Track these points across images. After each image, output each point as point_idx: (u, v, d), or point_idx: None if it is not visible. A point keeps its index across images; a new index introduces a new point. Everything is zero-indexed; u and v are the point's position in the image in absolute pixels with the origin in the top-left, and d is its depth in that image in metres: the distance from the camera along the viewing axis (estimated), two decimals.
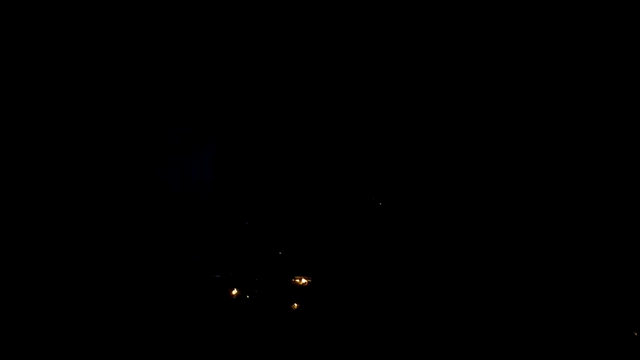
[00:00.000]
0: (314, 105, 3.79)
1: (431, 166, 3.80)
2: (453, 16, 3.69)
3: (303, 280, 3.58)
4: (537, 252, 3.61)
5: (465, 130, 3.78)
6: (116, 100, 3.48)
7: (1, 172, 3.30)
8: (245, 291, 3.41)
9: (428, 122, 3.80)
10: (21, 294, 3.17)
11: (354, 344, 3.31)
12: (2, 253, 3.23)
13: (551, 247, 3.60)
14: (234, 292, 3.39)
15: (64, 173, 3.37)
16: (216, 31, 3.63)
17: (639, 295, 3.42)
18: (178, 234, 3.43)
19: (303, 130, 3.77)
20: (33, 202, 3.32)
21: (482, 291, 3.54)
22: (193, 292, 3.29)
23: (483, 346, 3.34)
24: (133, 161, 3.44)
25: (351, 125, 3.81)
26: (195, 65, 3.63)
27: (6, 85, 3.37)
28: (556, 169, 3.68)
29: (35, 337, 3.05)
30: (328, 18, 3.71)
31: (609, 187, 3.63)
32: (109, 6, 3.50)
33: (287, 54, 3.73)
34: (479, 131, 3.77)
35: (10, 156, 3.33)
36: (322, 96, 3.78)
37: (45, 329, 3.08)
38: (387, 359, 3.26)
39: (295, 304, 3.47)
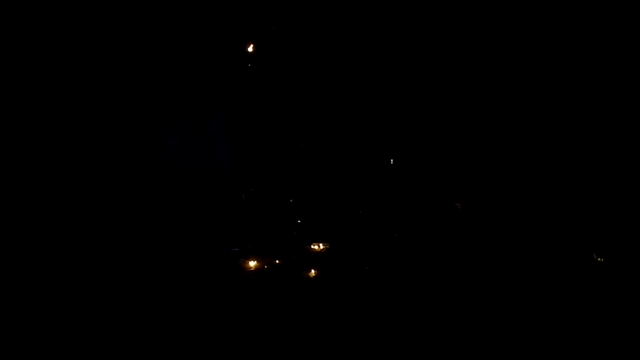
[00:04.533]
0: (325, 74, 3.59)
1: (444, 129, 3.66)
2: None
3: (321, 246, 3.62)
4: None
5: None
6: (125, 82, 3.35)
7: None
8: (263, 262, 3.47)
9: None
10: (37, 267, 3.27)
11: (369, 312, 3.40)
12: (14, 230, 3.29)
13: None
14: (253, 263, 3.46)
15: (86, 154, 3.34)
16: (227, 8, 3.38)
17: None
18: (197, 211, 3.43)
19: (315, 97, 3.60)
20: (55, 183, 3.32)
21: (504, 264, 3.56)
22: (212, 266, 3.37)
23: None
24: (145, 141, 3.38)
25: (365, 87, 3.63)
26: (199, 42, 3.41)
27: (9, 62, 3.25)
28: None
29: (55, 302, 3.19)
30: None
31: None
32: None
33: (291, 32, 3.49)
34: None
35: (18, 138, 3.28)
36: (333, 67, 3.57)
37: (65, 297, 3.21)
38: (405, 328, 3.35)
39: (313, 271, 3.54)
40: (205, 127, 3.47)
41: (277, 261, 3.51)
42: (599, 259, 3.53)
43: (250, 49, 3.47)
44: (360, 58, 3.62)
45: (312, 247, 3.61)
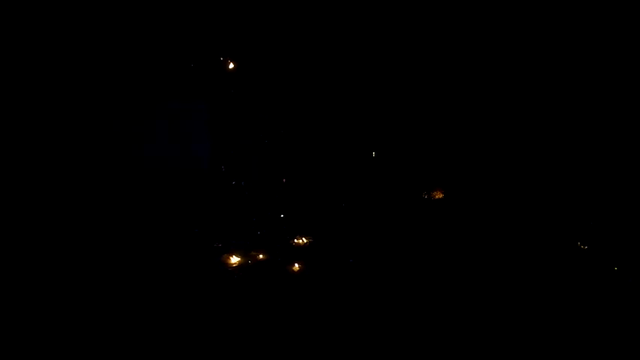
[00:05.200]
0: (305, 72, 3.56)
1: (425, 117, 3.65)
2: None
3: (304, 240, 3.59)
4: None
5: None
6: (106, 80, 3.31)
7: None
8: (246, 257, 3.44)
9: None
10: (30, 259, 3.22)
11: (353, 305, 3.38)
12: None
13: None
14: (237, 259, 3.42)
15: (66, 153, 3.30)
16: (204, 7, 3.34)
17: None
18: (179, 209, 3.39)
19: (296, 94, 3.57)
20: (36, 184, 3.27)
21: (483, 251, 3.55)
22: (195, 263, 3.32)
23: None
24: (128, 140, 3.34)
25: (346, 79, 3.60)
26: (181, 39, 3.37)
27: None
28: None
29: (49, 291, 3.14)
30: None
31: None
32: None
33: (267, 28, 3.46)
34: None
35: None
36: (312, 65, 3.54)
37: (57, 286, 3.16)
38: (391, 320, 3.33)
39: (297, 266, 3.51)
40: (186, 126, 3.43)
41: (261, 256, 3.47)
42: (582, 246, 3.55)
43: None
44: (338, 54, 3.59)
45: (296, 241, 3.59)
